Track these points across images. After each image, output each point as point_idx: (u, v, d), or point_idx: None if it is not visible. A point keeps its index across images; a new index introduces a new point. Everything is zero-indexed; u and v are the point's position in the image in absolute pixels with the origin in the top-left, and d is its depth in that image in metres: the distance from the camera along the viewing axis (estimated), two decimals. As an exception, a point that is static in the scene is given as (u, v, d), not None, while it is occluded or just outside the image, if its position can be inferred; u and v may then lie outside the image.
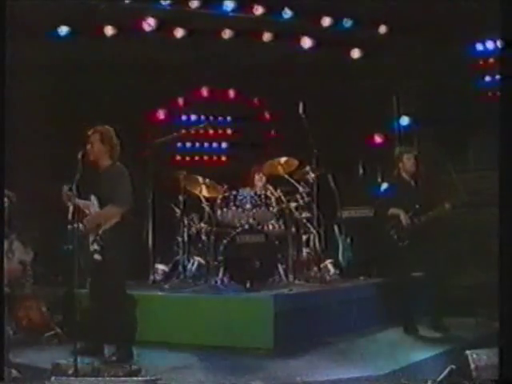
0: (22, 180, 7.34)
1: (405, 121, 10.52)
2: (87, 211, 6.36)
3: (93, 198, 6.40)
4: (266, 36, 9.69)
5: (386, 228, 7.70)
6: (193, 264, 8.25)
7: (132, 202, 6.43)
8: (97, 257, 6.22)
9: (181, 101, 10.89)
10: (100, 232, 6.25)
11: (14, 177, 6.08)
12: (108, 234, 6.26)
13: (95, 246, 6.24)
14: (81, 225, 6.31)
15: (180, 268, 8.23)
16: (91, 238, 6.28)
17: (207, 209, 8.42)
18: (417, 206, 7.63)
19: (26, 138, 8.43)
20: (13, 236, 7.38)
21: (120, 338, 6.37)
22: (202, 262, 8.23)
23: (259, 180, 8.70)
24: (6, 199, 7.00)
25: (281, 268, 7.92)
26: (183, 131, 9.19)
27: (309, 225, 8.56)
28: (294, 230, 8.44)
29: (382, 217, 7.83)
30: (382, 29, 9.77)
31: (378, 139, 10.71)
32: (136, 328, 6.53)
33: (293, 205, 8.46)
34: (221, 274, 7.78)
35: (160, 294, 7.76)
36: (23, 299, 7.30)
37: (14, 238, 7.42)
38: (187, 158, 11.01)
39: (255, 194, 8.21)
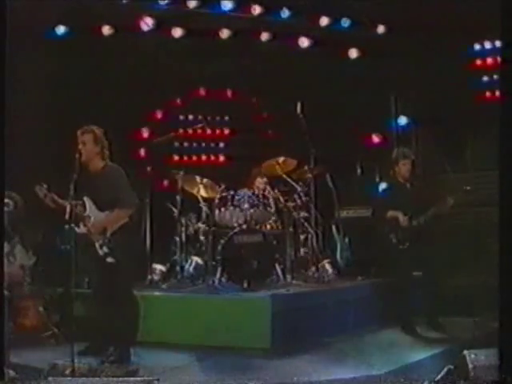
0: (24, 183, 7.32)
1: (403, 121, 10.52)
2: (78, 212, 6.29)
3: (85, 199, 6.36)
4: (264, 36, 9.69)
5: (385, 230, 7.69)
6: (190, 264, 8.23)
7: (138, 202, 6.48)
8: (110, 260, 6.23)
9: (178, 100, 10.88)
10: (108, 235, 6.26)
11: (16, 180, 6.10)
12: (117, 235, 6.27)
13: (105, 250, 6.24)
14: (83, 228, 6.31)
15: (178, 268, 8.21)
16: (99, 242, 6.27)
17: (205, 209, 8.41)
18: (414, 208, 7.64)
19: (28, 141, 8.41)
20: (15, 240, 7.37)
21: (125, 339, 6.38)
22: (200, 261, 8.21)
23: (258, 181, 8.69)
24: (11, 202, 7.03)
25: (278, 268, 7.90)
26: (181, 131, 9.16)
27: (307, 225, 8.55)
28: (291, 229, 8.42)
29: (380, 218, 7.82)
30: (381, 29, 9.78)
31: (375, 139, 10.71)
32: (139, 328, 6.56)
33: (291, 204, 8.45)
34: (218, 274, 7.76)
35: (158, 293, 7.74)
36: (20, 299, 7.27)
37: (17, 242, 7.40)
38: (185, 158, 11.00)
39: (253, 193, 8.20)
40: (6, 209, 6.88)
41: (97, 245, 6.27)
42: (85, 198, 6.35)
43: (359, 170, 10.48)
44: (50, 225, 7.94)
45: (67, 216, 6.03)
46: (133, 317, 6.47)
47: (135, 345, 6.42)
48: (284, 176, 8.65)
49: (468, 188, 7.57)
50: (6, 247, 7.00)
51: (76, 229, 6.24)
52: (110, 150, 6.53)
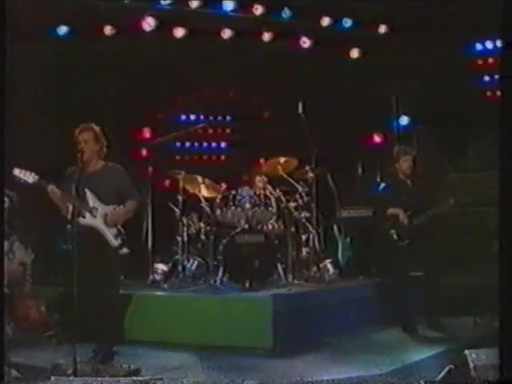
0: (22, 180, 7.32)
1: (404, 120, 10.53)
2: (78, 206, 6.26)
3: (87, 191, 6.32)
4: (266, 36, 9.70)
5: (386, 228, 7.70)
6: (192, 264, 8.24)
7: (141, 197, 6.68)
8: (124, 251, 6.33)
9: (180, 100, 10.89)
10: (119, 226, 6.36)
11: (14, 176, 6.10)
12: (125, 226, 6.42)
13: (119, 241, 6.31)
14: (91, 219, 6.32)
15: (179, 268, 8.23)
16: (112, 233, 6.31)
17: (206, 209, 8.42)
18: (415, 206, 7.65)
19: (28, 140, 8.42)
20: (14, 237, 7.37)
21: (109, 338, 6.41)
22: (202, 261, 8.22)
23: (260, 180, 8.70)
24: (6, 199, 7.02)
25: (280, 268, 7.90)
26: (182, 131, 9.16)
27: (308, 224, 8.56)
28: (293, 229, 8.42)
29: (381, 216, 7.82)
30: (382, 28, 9.79)
31: (377, 139, 10.73)
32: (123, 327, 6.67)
33: (292, 204, 8.45)
34: (220, 274, 7.76)
35: (159, 293, 7.76)
36: (22, 299, 7.29)
37: (16, 239, 7.41)
38: (186, 158, 11.01)
39: (254, 193, 8.21)
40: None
41: (110, 236, 6.31)
42: (86, 191, 6.32)
43: (360, 170, 10.49)
44: (51, 222, 7.94)
45: (69, 215, 6.04)
46: (116, 315, 6.52)
47: (120, 344, 6.47)
48: (285, 176, 8.65)
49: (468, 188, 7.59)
50: (5, 245, 7.01)
51: (81, 219, 6.23)
52: (108, 149, 6.55)
